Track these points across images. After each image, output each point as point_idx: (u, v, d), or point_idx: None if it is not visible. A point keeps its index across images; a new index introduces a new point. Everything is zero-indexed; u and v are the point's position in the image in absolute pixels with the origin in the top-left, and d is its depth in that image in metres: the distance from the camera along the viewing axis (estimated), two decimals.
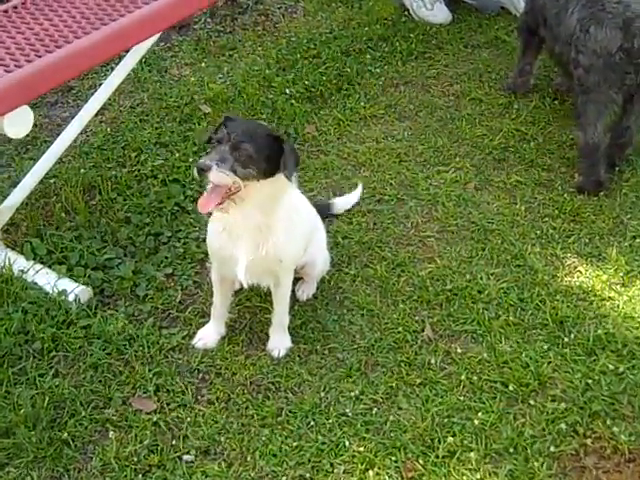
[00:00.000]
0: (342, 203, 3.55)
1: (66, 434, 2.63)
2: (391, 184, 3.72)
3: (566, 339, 2.97)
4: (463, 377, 2.84)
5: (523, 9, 4.31)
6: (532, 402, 2.76)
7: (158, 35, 3.33)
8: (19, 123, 2.79)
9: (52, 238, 3.29)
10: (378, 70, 4.52)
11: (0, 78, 2.74)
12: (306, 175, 3.73)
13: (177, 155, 3.80)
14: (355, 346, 2.97)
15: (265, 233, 2.68)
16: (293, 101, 4.20)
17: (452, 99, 4.31)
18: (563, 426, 2.67)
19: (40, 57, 2.86)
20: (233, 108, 4.10)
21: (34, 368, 2.84)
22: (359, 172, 3.80)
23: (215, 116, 4.05)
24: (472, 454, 2.59)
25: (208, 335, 2.98)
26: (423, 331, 3.02)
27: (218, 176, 2.48)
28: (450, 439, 2.63)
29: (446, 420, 2.70)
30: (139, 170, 3.72)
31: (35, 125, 3.96)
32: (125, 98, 4.28)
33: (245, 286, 2.82)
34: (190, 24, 4.93)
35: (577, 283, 3.21)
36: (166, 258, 3.30)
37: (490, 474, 2.54)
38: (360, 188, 3.61)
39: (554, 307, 3.10)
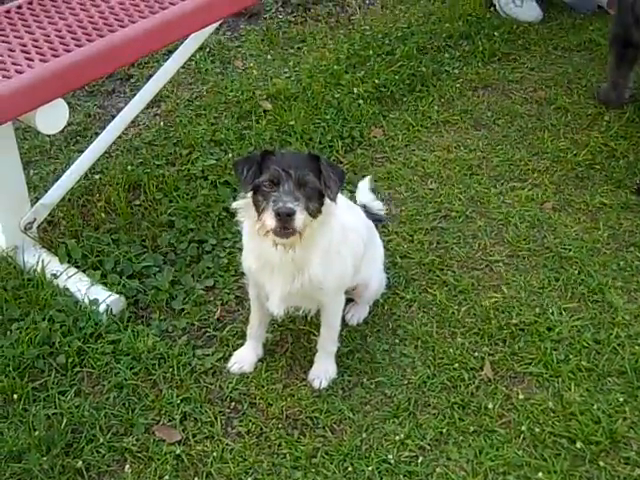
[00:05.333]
0: (368, 199, 3.19)
1: (81, 462, 2.42)
2: (459, 199, 3.40)
3: None
4: (524, 428, 2.53)
5: (613, 19, 3.92)
6: (602, 464, 2.44)
7: (214, 25, 3.08)
8: (52, 118, 2.58)
9: (89, 240, 3.08)
10: (456, 71, 4.19)
11: (33, 69, 2.53)
12: None
13: (231, 155, 3.56)
14: (405, 382, 2.69)
15: (301, 265, 2.41)
16: (361, 101, 3.90)
17: (535, 107, 3.95)
18: None
19: (80, 47, 2.63)
20: (295, 106, 3.83)
21: (55, 384, 2.64)
22: (425, 184, 3.49)
23: (275, 114, 3.79)
24: None
25: (245, 358, 2.74)
26: (482, 370, 2.73)
27: (302, 220, 2.24)
28: None
29: (501, 478, 2.41)
30: (189, 170, 3.48)
31: (88, 115, 3.84)
32: (184, 90, 4.06)
33: (278, 316, 2.56)
34: (260, 12, 4.67)
35: None
36: (208, 269, 3.06)
37: None
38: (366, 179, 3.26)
39: (634, 353, 2.76)
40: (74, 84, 2.67)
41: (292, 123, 3.72)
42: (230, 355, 2.75)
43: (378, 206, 3.21)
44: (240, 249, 3.06)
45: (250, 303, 2.71)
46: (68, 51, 2.63)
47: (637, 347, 2.77)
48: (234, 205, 2.46)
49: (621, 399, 2.60)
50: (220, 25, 4.41)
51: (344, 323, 2.83)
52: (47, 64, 2.57)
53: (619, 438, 2.49)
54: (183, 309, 2.91)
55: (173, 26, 2.75)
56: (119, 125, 3.18)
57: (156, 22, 2.71)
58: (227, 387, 2.66)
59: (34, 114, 2.54)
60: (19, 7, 2.88)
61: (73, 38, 2.70)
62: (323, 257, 2.42)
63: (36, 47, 2.66)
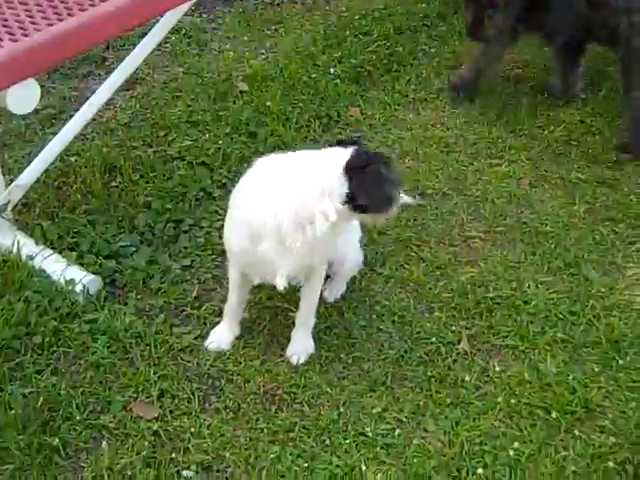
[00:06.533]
0: None
1: (57, 440, 2.41)
2: (437, 177, 3.41)
3: (621, 362, 2.65)
4: (500, 399, 2.54)
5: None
6: (577, 433, 2.45)
7: (190, 3, 3.07)
8: (24, 98, 2.55)
9: (65, 221, 3.08)
10: (433, 50, 4.19)
11: (3, 48, 2.51)
12: None
13: (207, 136, 3.55)
14: (382, 356, 2.70)
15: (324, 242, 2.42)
16: (338, 81, 3.91)
17: (512, 85, 3.95)
18: (611, 464, 2.35)
19: (50, 26, 2.61)
20: (272, 87, 3.82)
21: (32, 364, 2.62)
22: (403, 162, 3.50)
23: (252, 95, 3.79)
24: None
25: (222, 336, 2.74)
26: (459, 343, 2.74)
27: None
28: (480, 470, 2.34)
29: (477, 448, 2.41)
30: (165, 151, 3.48)
31: (63, 98, 3.83)
32: (160, 72, 4.05)
33: (282, 289, 2.51)
34: None
35: (638, 298, 2.87)
36: (185, 248, 3.06)
37: None
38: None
39: (609, 324, 2.77)
40: (46, 63, 2.65)
41: (269, 104, 3.72)
42: (207, 333, 2.75)
43: None
44: (217, 228, 3.10)
45: (229, 283, 2.69)
46: (38, 30, 2.61)
47: (612, 318, 2.79)
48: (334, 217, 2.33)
49: (596, 369, 2.62)
50: (196, 7, 4.42)
51: (321, 299, 2.83)
52: (17, 44, 2.54)
53: (594, 407, 2.51)
54: (160, 288, 2.90)
55: (147, 2, 2.74)
56: (94, 105, 3.17)
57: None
58: (204, 364, 2.66)
59: (5, 94, 2.52)
60: None
61: (43, 17, 2.67)
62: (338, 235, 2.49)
63: (6, 27, 2.64)
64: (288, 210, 2.32)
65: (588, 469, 2.35)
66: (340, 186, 2.27)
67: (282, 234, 2.34)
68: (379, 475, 2.34)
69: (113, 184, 3.31)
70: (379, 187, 2.31)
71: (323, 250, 2.47)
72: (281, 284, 2.47)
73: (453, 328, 2.78)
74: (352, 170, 2.28)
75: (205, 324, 2.79)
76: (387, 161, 2.40)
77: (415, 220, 3.20)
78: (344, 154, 2.33)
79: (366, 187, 2.29)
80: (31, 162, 3.14)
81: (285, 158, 2.49)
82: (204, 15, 4.51)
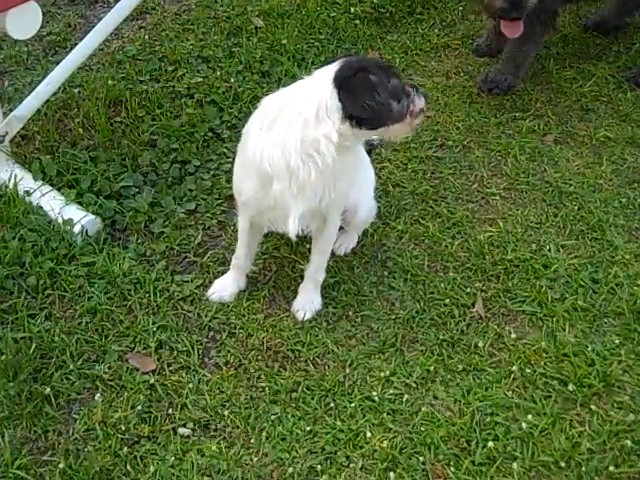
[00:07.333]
0: None
1: (49, 389, 2.31)
2: (457, 128, 3.25)
3: None
4: (514, 368, 2.43)
5: None
6: (594, 407, 2.34)
7: None
8: (24, 22, 2.40)
9: (65, 157, 2.94)
10: None
11: None
12: None
13: (219, 73, 3.39)
14: (393, 316, 2.58)
15: (333, 179, 2.27)
16: (357, 21, 3.74)
17: None
18: (628, 442, 2.25)
19: None
20: (289, 24, 3.64)
21: (25, 307, 2.51)
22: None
23: (267, 31, 3.61)
24: (515, 464, 2.21)
25: (225, 287, 2.61)
26: (473, 307, 2.62)
27: None
28: (490, 443, 2.24)
29: (488, 419, 2.31)
30: (174, 87, 3.32)
31: (68, 25, 3.66)
32: (171, 3, 3.87)
33: (293, 237, 2.37)
34: None
35: None
36: (190, 191, 2.92)
37: None
38: None
39: (633, 293, 2.65)
40: None
41: (284, 42, 3.55)
42: (210, 282, 2.63)
43: None
44: (224, 172, 2.95)
45: (238, 234, 2.55)
46: None
47: (636, 287, 2.67)
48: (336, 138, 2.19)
49: (617, 341, 2.51)
50: None
51: (331, 253, 2.70)
52: None
53: (613, 381, 2.40)
54: (162, 232, 2.78)
55: None
56: (101, 34, 2.99)
57: None
58: (206, 316, 2.54)
59: (4, 16, 2.37)
60: None
61: None
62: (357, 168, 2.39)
63: None
64: (293, 142, 2.19)
65: (604, 447, 2.25)
66: (332, 99, 2.15)
67: (293, 169, 2.21)
68: (384, 442, 2.24)
69: (117, 119, 3.16)
70: (369, 94, 2.16)
71: (335, 186, 2.30)
72: (293, 229, 2.33)
73: (468, 290, 2.65)
74: (340, 80, 2.15)
75: (208, 272, 2.67)
76: (384, 68, 2.24)
77: (433, 173, 3.06)
78: (333, 68, 2.21)
79: (355, 95, 2.15)
80: (32, 91, 2.97)
81: (286, 91, 2.33)
82: None
